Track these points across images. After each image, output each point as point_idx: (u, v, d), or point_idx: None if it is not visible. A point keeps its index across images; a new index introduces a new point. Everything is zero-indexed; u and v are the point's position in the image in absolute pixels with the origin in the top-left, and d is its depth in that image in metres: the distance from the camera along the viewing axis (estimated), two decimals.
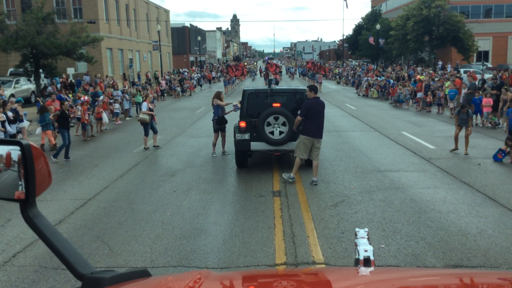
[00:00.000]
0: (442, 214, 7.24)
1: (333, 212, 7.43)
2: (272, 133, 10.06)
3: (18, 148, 1.23)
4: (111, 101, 20.34)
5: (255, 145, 10.20)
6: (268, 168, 10.63)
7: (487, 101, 17.00)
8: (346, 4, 69.29)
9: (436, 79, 25.54)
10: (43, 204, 7.97)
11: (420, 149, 12.77)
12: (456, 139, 12.12)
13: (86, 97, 17.48)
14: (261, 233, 6.54)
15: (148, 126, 13.24)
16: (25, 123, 14.70)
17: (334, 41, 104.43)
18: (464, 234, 6.41)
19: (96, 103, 18.42)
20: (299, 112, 9.18)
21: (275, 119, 10.02)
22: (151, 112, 13.36)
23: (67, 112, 12.52)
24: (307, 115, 8.91)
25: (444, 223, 6.87)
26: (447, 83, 22.64)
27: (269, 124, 10.03)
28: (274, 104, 10.16)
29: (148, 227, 6.86)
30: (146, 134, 13.33)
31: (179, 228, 6.79)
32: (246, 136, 10.23)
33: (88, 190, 9.09)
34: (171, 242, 6.26)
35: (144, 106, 13.52)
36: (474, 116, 17.70)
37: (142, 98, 23.07)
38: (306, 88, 9.60)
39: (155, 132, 13.53)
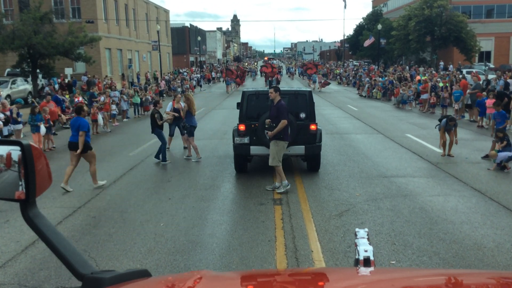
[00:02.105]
0: (455, 225, 6.76)
1: (338, 223, 6.96)
2: None
3: (18, 148, 1.24)
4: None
5: (255, 150, 9.71)
6: (268, 174, 10.11)
7: (491, 103, 16.52)
8: (345, 4, 68.44)
9: (438, 79, 25.07)
10: None
11: (426, 152, 12.29)
12: (444, 144, 11.72)
13: (80, 98, 16.99)
14: (261, 247, 6.06)
15: (171, 126, 12.99)
16: (19, 125, 14.21)
17: (335, 41, 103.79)
18: (480, 248, 5.94)
19: (93, 104, 17.99)
20: (277, 116, 8.45)
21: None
22: (172, 112, 12.96)
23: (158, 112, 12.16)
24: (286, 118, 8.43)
25: (458, 235, 6.40)
26: (441, 84, 22.22)
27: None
28: None
29: (140, 240, 6.38)
30: (171, 134, 13.14)
31: (173, 241, 6.30)
32: (246, 140, 9.75)
33: (78, 197, 8.62)
34: (164, 257, 5.78)
35: (169, 106, 13.35)
36: (480, 118, 17.34)
37: (140, 98, 22.76)
38: (269, 89, 8.91)
39: (170, 134, 13.14)
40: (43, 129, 13.05)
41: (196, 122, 11.96)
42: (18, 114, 14.09)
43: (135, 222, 7.15)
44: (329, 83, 39.95)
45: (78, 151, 8.90)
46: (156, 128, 11.60)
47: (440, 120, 11.96)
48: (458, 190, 8.74)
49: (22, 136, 14.40)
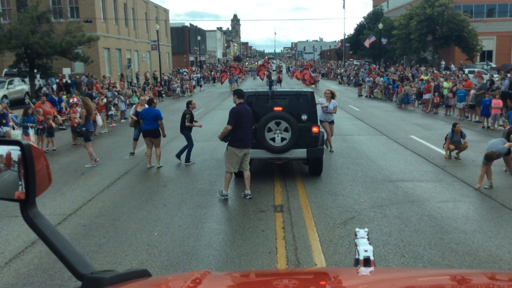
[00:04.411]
0: (467, 235, 6.36)
1: (342, 232, 6.56)
2: (273, 139, 9.19)
3: (18, 148, 1.24)
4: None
5: (255, 153, 9.28)
6: (269, 178, 9.73)
7: (496, 103, 16.13)
8: (344, 4, 68.22)
9: (441, 78, 24.66)
10: (17, 221, 7.12)
11: (432, 155, 11.89)
12: (448, 148, 11.27)
13: (75, 99, 16.58)
14: (261, 260, 5.66)
15: (135, 130, 12.43)
16: (10, 127, 13.78)
17: (335, 41, 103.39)
18: (496, 261, 5.54)
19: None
20: (228, 120, 8.10)
21: (276, 125, 9.15)
22: (134, 116, 12.47)
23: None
24: (237, 123, 7.96)
25: (470, 245, 6.00)
26: (446, 84, 21.79)
27: (270, 130, 9.16)
28: (276, 108, 9.28)
29: (131, 251, 5.98)
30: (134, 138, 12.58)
31: (167, 253, 5.91)
32: None
33: (69, 204, 8.22)
34: (156, 271, 5.38)
35: (132, 109, 13.17)
36: (482, 118, 16.95)
37: (139, 99, 22.36)
38: (233, 93, 8.60)
39: (134, 138, 12.57)
40: (31, 134, 12.57)
41: (92, 127, 11.85)
42: (3, 114, 13.60)
43: (128, 231, 6.75)
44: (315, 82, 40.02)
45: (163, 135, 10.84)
46: (185, 129, 11.32)
47: (446, 138, 11.46)
48: (468, 195, 8.34)
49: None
